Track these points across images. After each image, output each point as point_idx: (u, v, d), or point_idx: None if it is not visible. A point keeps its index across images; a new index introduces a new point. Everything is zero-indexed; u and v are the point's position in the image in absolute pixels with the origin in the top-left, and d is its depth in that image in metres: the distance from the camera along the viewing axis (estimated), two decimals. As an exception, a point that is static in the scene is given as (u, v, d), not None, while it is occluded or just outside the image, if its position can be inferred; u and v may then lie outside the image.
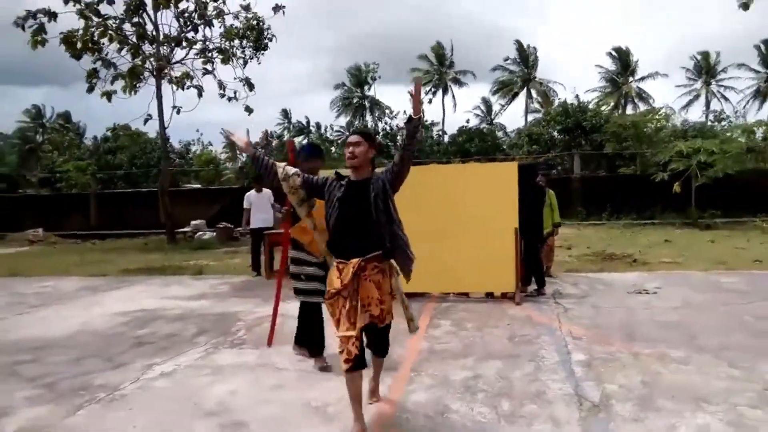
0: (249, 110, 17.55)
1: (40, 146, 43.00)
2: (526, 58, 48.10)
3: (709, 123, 32.05)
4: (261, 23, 17.07)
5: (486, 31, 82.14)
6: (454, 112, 53.70)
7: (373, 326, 3.49)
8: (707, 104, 47.44)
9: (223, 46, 16.79)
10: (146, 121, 16.82)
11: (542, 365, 4.63)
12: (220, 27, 16.77)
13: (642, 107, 41.89)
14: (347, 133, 45.85)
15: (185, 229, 19.84)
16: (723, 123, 32.27)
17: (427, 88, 51.29)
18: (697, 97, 48.24)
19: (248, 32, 16.91)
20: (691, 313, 6.19)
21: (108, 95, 15.70)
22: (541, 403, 3.85)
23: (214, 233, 18.81)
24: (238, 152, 20.76)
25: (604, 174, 22.57)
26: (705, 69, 47.57)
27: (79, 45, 14.91)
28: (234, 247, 15.57)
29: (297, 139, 55.79)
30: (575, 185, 20.27)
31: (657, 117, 24.53)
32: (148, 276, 10.25)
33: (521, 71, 48.54)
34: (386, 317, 3.52)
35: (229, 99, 17.42)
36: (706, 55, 47.25)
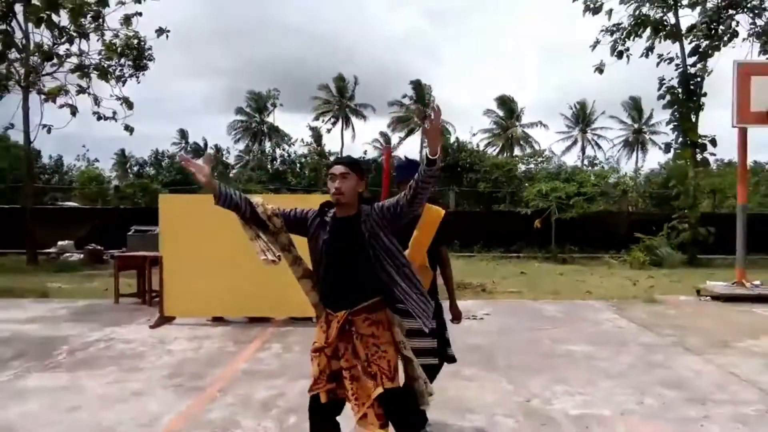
0: (129, 129, 17.09)
1: None
2: (422, 96, 50.19)
3: (584, 167, 34.92)
4: (142, 42, 16.78)
5: (385, 67, 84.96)
6: (353, 142, 54.74)
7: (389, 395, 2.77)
8: (583, 150, 51.78)
9: (101, 63, 16.30)
10: (6, 129, 15.97)
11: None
12: (98, 40, 16.29)
13: (528, 149, 45.05)
14: (247, 158, 45.74)
15: (50, 250, 18.74)
16: (596, 167, 35.27)
17: (326, 118, 52.10)
18: (575, 143, 52.57)
19: (128, 51, 16.55)
20: (500, 337, 6.84)
21: None
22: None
23: (81, 255, 17.92)
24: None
25: (477, 210, 24.02)
26: (581, 117, 52.05)
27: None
28: (98, 270, 14.94)
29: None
30: (451, 219, 21.31)
31: (535, 158, 26.58)
32: (-13, 298, 9.66)
33: (417, 108, 50.54)
34: (383, 380, 2.75)
35: (105, 119, 16.90)
36: (583, 105, 51.73)
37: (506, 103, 49.04)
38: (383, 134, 54.90)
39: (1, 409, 4.29)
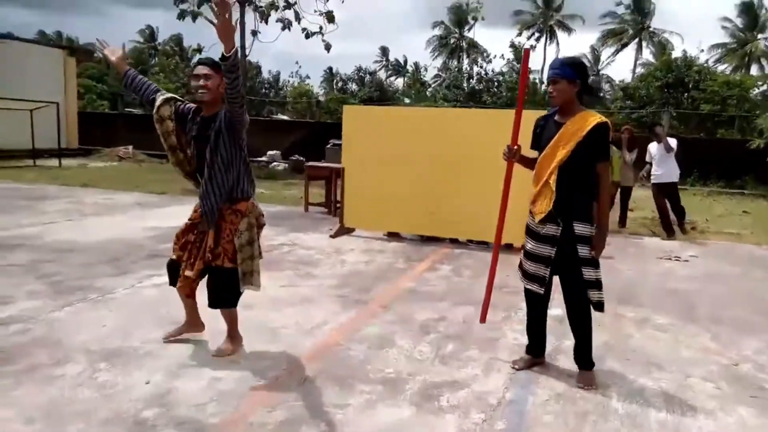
0: (327, 47, 17.59)
1: (150, 68, 45.53)
2: (640, 4, 44.31)
3: None
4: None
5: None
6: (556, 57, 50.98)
7: (215, 271, 3.34)
8: None
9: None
10: (212, 45, 17.46)
11: (512, 316, 4.55)
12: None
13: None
14: (443, 75, 45.30)
15: (261, 159, 20.61)
16: None
17: (529, 33, 48.95)
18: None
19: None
20: (706, 284, 5.79)
21: (194, 16, 16.23)
22: (486, 349, 3.83)
23: (286, 164, 19.41)
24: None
25: (693, 136, 20.85)
26: None
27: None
28: (298, 179, 16.04)
29: (394, 80, 55.66)
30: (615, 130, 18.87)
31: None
32: (201, 197, 10.84)
33: (634, 19, 44.92)
34: (222, 259, 3.30)
35: (311, 35, 17.53)
36: None
37: (750, 11, 41.04)
38: (594, 49, 50.25)
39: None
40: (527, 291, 3.51)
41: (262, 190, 12.49)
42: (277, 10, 16.95)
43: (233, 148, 3.24)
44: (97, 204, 9.45)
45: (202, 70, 3.18)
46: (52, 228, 7.23)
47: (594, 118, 3.21)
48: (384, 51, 64.93)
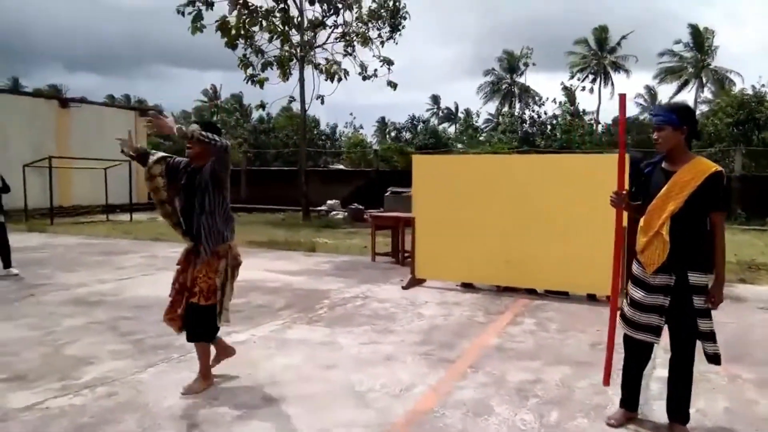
0: (393, 86, 17.86)
1: (214, 124, 47.42)
2: (701, 43, 43.40)
3: None
4: (397, 3, 17.22)
5: (647, 16, 75.45)
6: (610, 99, 50.14)
7: (190, 307, 3.71)
8: None
9: (360, 29, 17.17)
10: (290, 101, 18.01)
11: (616, 378, 4.18)
12: (356, 12, 17.19)
13: None
14: (495, 120, 45.23)
15: (320, 208, 20.81)
16: None
17: (583, 75, 48.57)
18: None
19: (383, 12, 17.15)
20: (827, 340, 5.23)
21: (260, 82, 16.78)
22: (595, 419, 3.48)
23: (346, 213, 19.50)
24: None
25: (765, 174, 19.74)
26: None
27: (233, 32, 16.10)
28: (358, 228, 16.02)
29: (444, 126, 56.08)
30: (736, 185, 17.96)
31: None
32: (267, 249, 10.90)
33: (693, 57, 43.98)
34: (198, 296, 3.65)
35: (366, 78, 17.86)
36: None
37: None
38: (649, 88, 49.39)
39: (269, 359, 4.53)
40: (631, 342, 3.33)
41: (325, 240, 12.50)
42: (339, 65, 17.43)
43: (216, 195, 3.66)
44: (168, 258, 9.58)
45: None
46: (129, 284, 7.32)
47: (708, 166, 3.10)
48: (435, 99, 65.82)
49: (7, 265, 7.71)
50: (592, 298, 6.82)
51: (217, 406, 3.60)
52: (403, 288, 7.34)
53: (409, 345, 4.93)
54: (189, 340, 3.84)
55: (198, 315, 3.70)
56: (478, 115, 47.05)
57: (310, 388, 3.94)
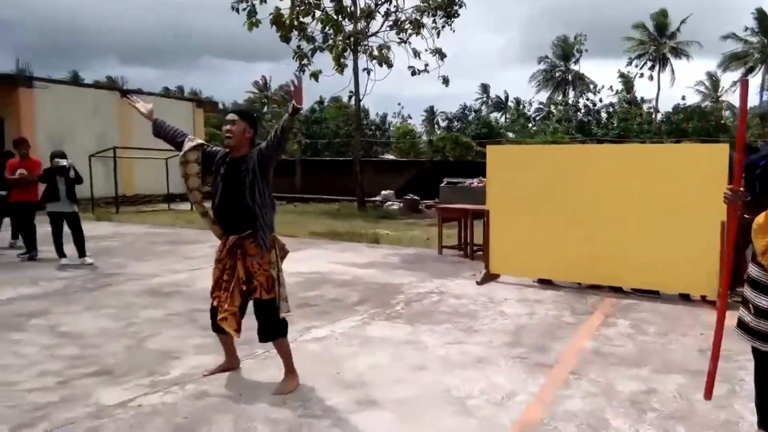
0: (446, 81, 17.49)
1: (263, 116, 48.07)
2: (767, 27, 41.11)
3: None
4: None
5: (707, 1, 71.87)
6: (671, 86, 48.17)
7: (256, 305, 3.60)
8: None
9: (414, 17, 16.79)
10: (350, 97, 17.91)
11: (739, 390, 3.79)
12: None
13: None
14: (547, 109, 44.11)
15: (375, 198, 20.64)
16: None
17: (641, 61, 46.79)
18: None
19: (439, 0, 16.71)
20: None
21: (315, 76, 16.65)
22: (727, 438, 3.13)
23: (401, 204, 19.26)
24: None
25: None
26: None
27: (287, 23, 16.01)
28: (415, 219, 15.76)
29: (493, 115, 55.08)
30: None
31: None
32: (330, 240, 10.78)
33: (760, 42, 41.73)
34: (259, 290, 3.53)
35: (416, 72, 17.51)
36: None
37: None
38: (710, 75, 47.17)
39: (354, 358, 4.32)
40: (760, 354, 2.94)
41: (387, 231, 12.29)
42: (389, 50, 17.12)
43: (265, 186, 3.53)
44: (234, 248, 9.57)
45: (230, 116, 3.56)
46: (200, 274, 7.27)
47: None
48: (484, 88, 64.75)
49: (82, 254, 7.80)
50: (685, 298, 6.37)
51: (310, 409, 3.41)
52: (478, 283, 7.04)
53: (499, 346, 4.64)
54: (263, 339, 3.69)
55: (264, 310, 3.59)
56: (530, 104, 46.05)
57: (402, 391, 3.72)
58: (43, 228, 8.38)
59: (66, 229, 7.81)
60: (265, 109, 51.03)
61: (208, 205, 3.72)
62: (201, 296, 6.09)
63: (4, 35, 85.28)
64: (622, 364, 4.26)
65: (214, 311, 3.70)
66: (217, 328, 3.71)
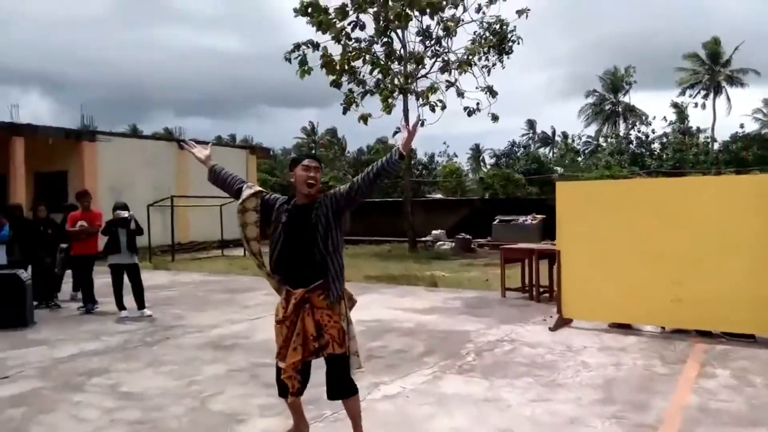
0: (495, 118, 17.26)
1: (312, 159, 48.83)
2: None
3: None
4: (505, 26, 16.59)
5: (760, 27, 69.81)
6: (727, 115, 46.47)
7: (328, 361, 3.29)
8: None
9: (466, 57, 16.67)
10: (395, 134, 17.83)
11: None
12: (454, 35, 16.69)
13: None
14: (595, 143, 43.20)
15: (426, 238, 20.31)
16: None
17: (694, 91, 45.53)
18: None
19: (492, 37, 16.55)
20: None
21: (364, 119, 16.69)
22: None
23: (453, 243, 18.86)
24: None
25: None
26: None
27: (337, 67, 16.19)
28: (470, 259, 15.33)
29: (541, 150, 54.37)
30: None
31: None
32: (386, 284, 10.48)
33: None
34: (332, 344, 3.22)
35: (471, 113, 17.31)
36: None
37: None
38: (767, 101, 45.33)
39: (432, 420, 3.97)
40: None
41: (442, 273, 11.91)
42: (436, 92, 17.00)
43: (339, 233, 3.30)
44: (291, 295, 9.38)
45: (313, 163, 3.35)
46: (259, 324, 7.08)
47: None
48: (530, 123, 64.15)
49: (142, 306, 7.74)
50: (749, 338, 5.80)
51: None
52: (551, 329, 6.59)
53: (590, 404, 4.20)
54: (333, 397, 3.40)
55: (336, 366, 3.29)
56: (580, 138, 45.27)
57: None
58: (102, 279, 8.42)
59: (126, 280, 7.79)
60: (313, 152, 51.99)
61: (265, 249, 3.41)
62: (262, 348, 5.88)
63: (72, 92, 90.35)
64: (735, 423, 3.77)
65: (280, 373, 3.39)
66: (283, 392, 3.41)
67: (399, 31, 16.89)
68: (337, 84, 16.48)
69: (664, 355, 5.45)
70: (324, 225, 3.23)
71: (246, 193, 3.44)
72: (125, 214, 7.75)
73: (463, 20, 16.60)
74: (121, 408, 4.27)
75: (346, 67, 16.41)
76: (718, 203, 5.85)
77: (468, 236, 19.24)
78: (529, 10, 16.01)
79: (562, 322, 6.75)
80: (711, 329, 6.07)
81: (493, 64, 16.93)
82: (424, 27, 16.81)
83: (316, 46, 16.23)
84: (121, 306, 7.70)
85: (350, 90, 16.91)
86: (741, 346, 5.68)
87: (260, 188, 3.52)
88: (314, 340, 3.24)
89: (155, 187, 17.84)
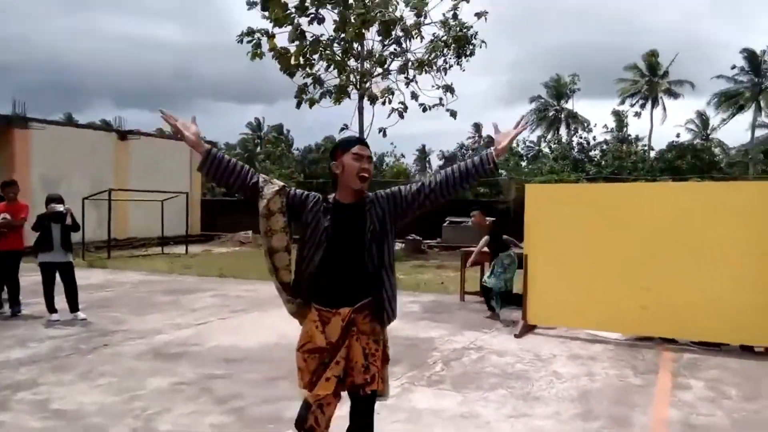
0: (453, 114, 17.11)
1: (256, 156, 47.70)
2: (757, 66, 41.80)
3: None
4: (466, 29, 16.48)
5: (696, 42, 73.53)
6: (661, 124, 48.46)
7: (356, 396, 2.54)
8: None
9: (426, 58, 16.47)
10: (341, 130, 17.36)
11: None
12: (418, 38, 16.53)
13: None
14: (537, 147, 44.08)
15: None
16: None
17: (634, 100, 47.28)
18: None
19: (453, 42, 16.41)
20: None
21: (311, 102, 16.28)
22: None
23: (403, 245, 18.64)
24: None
25: None
26: None
27: (293, 61, 15.66)
28: (421, 261, 15.14)
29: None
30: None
31: None
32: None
33: (750, 81, 42.33)
34: (376, 382, 2.51)
35: (425, 109, 17.13)
36: None
37: None
38: (700, 114, 47.61)
39: (406, 438, 3.63)
40: None
41: (399, 275, 11.61)
42: (393, 94, 16.72)
43: (393, 242, 2.62)
44: (241, 297, 8.85)
45: (366, 151, 2.58)
46: (208, 329, 6.57)
47: None
48: (477, 127, 65.00)
49: (75, 308, 7.04)
50: (747, 350, 5.77)
51: None
52: (516, 336, 6.38)
53: (571, 419, 3.97)
54: None
55: (368, 404, 2.59)
56: (524, 143, 46.09)
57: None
58: (29, 277, 7.67)
59: (57, 279, 7.08)
60: (258, 149, 50.83)
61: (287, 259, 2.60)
62: (213, 357, 5.41)
63: (2, 77, 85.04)
64: (724, 442, 3.60)
65: (307, 408, 2.54)
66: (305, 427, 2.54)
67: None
68: (290, 73, 15.96)
69: (634, 365, 5.31)
70: (379, 230, 2.53)
71: (269, 190, 2.54)
72: (60, 207, 7.03)
73: (423, 23, 16.40)
74: (52, 429, 3.72)
75: (302, 61, 15.90)
76: (688, 209, 5.79)
77: (418, 237, 19.10)
78: (487, 12, 15.93)
79: (527, 329, 6.57)
80: (679, 338, 6.01)
81: (450, 66, 16.79)
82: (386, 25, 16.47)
83: (270, 36, 15.67)
84: (51, 308, 6.98)
85: (305, 84, 16.41)
86: (709, 355, 5.63)
87: (282, 183, 2.62)
88: (364, 373, 2.50)
89: (92, 179, 16.80)
